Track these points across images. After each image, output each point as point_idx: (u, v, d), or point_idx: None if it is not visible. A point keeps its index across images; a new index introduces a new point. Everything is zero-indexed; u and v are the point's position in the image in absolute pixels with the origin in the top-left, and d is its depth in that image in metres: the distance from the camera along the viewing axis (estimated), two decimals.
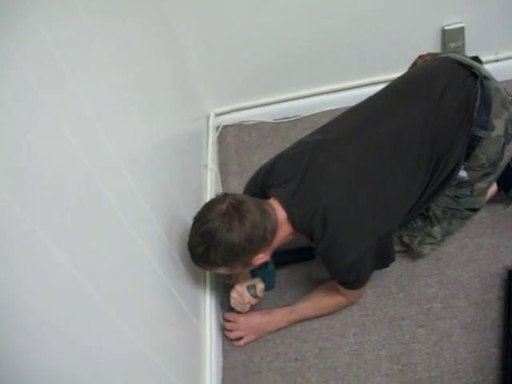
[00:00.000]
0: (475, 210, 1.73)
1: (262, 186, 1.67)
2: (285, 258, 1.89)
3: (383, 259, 1.65)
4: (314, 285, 1.82)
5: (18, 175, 0.79)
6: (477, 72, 1.59)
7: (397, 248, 1.82)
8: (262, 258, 1.55)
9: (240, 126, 2.48)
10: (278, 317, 1.76)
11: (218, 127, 2.49)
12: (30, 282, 0.78)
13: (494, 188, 1.83)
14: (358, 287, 1.66)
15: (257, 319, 1.77)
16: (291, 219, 1.55)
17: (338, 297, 1.72)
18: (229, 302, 1.75)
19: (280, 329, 1.78)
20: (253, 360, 1.75)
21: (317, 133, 1.70)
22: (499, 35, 2.22)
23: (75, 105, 1.05)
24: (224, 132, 2.49)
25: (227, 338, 1.79)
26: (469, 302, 1.74)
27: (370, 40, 2.19)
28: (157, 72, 1.78)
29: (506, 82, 2.18)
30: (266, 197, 1.61)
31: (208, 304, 1.77)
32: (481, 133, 1.57)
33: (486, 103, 1.57)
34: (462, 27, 2.15)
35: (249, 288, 1.72)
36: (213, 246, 1.45)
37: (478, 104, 1.55)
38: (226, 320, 1.79)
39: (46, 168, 0.89)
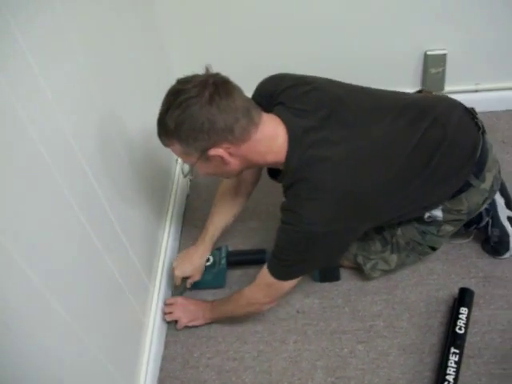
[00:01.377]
0: (434, 249, 1.76)
1: (272, 92, 1.53)
2: (238, 258, 1.92)
3: (332, 256, 1.60)
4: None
5: None
6: (479, 124, 1.63)
7: (347, 263, 1.85)
8: (220, 155, 1.38)
9: None
10: (200, 312, 1.80)
11: None
12: None
13: None
14: (286, 276, 1.54)
15: (192, 305, 1.82)
16: (289, 153, 1.42)
17: (253, 292, 1.63)
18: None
19: (207, 323, 1.82)
20: (193, 354, 1.77)
21: (338, 86, 1.58)
22: (481, 66, 2.24)
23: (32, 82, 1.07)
24: None
25: (170, 325, 1.84)
26: (411, 324, 1.76)
27: (352, 56, 2.20)
28: (129, 51, 1.77)
29: (483, 113, 2.19)
30: (265, 109, 1.47)
31: (156, 294, 1.80)
32: (474, 181, 1.60)
33: (485, 155, 1.61)
34: (445, 54, 2.17)
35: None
36: (173, 107, 1.33)
37: (478, 153, 1.59)
38: (166, 304, 1.83)
39: None
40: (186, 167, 1.48)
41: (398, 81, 2.24)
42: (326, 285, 1.87)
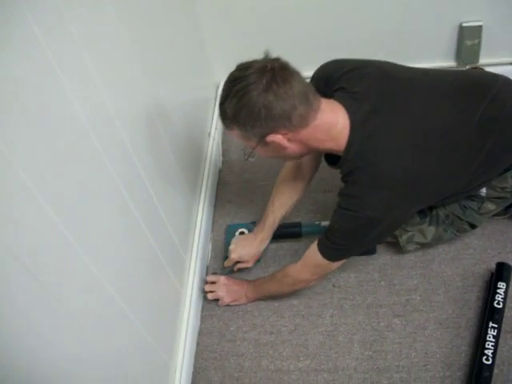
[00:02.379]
0: (473, 227, 1.74)
1: (330, 77, 1.52)
2: (274, 232, 1.92)
3: (384, 236, 1.60)
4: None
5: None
6: None
7: None
8: (279, 141, 1.37)
9: None
10: (243, 292, 1.82)
11: None
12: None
13: None
14: (337, 257, 1.55)
15: (235, 285, 1.83)
16: (350, 140, 1.40)
17: (299, 272, 1.64)
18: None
19: (250, 302, 1.83)
20: (229, 328, 1.79)
21: (396, 68, 1.55)
22: None
23: (76, 57, 1.07)
24: None
25: (206, 300, 1.85)
26: (448, 298, 1.75)
27: (386, 30, 2.18)
28: (168, 33, 1.78)
29: None
30: (324, 94, 1.45)
31: (192, 268, 1.81)
32: None
33: None
34: (480, 26, 2.13)
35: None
36: (232, 94, 1.33)
37: None
38: (207, 282, 1.85)
39: (43, 118, 0.92)
40: (248, 150, 1.48)
41: (432, 53, 2.23)
42: (362, 259, 1.86)
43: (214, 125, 2.27)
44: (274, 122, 1.34)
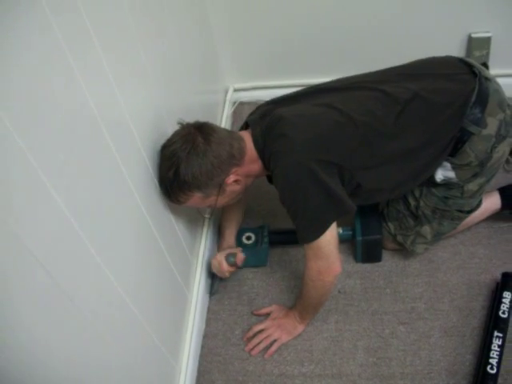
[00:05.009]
0: (467, 212, 1.74)
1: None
2: (280, 237, 1.93)
3: (332, 196, 1.48)
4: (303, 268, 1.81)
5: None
6: (476, 71, 1.60)
7: (390, 246, 1.85)
8: (234, 179, 1.54)
9: (256, 105, 2.48)
10: (293, 321, 1.75)
11: (234, 102, 2.52)
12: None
13: (497, 204, 1.86)
14: (317, 231, 1.50)
15: (283, 319, 1.76)
16: (253, 136, 1.57)
17: (310, 269, 1.59)
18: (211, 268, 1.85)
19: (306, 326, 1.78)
20: (234, 332, 1.79)
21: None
22: None
23: (92, 54, 1.09)
24: (239, 108, 2.51)
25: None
26: (453, 307, 1.76)
27: (395, 39, 2.21)
28: (179, 37, 1.79)
29: None
30: None
31: (199, 272, 1.82)
32: (472, 128, 1.56)
33: (482, 101, 1.57)
34: (489, 37, 2.15)
35: (228, 256, 1.78)
36: (182, 164, 1.44)
37: (473, 99, 1.55)
38: (255, 332, 1.77)
39: (57, 109, 0.93)
40: (207, 208, 1.72)
41: None
42: (368, 266, 1.87)
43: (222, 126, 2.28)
44: (225, 164, 1.51)
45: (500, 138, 1.60)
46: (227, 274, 1.80)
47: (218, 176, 1.50)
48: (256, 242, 1.89)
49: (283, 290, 1.88)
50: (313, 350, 1.72)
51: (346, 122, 1.52)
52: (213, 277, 1.89)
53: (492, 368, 1.56)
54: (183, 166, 1.44)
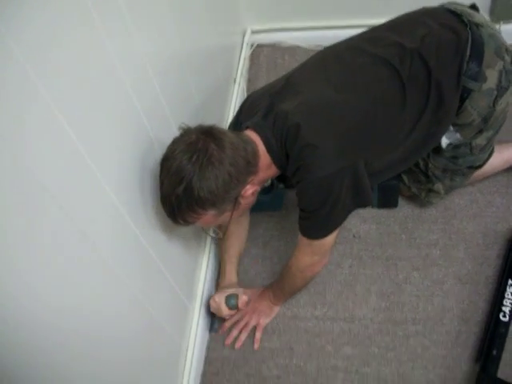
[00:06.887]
0: (477, 168, 1.68)
1: (235, 126, 1.52)
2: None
3: (359, 195, 1.39)
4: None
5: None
6: (465, 19, 1.46)
7: (406, 192, 1.83)
8: (251, 191, 1.35)
9: (274, 47, 2.46)
10: (267, 303, 1.71)
11: (252, 45, 2.47)
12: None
13: None
14: (322, 234, 1.44)
15: (257, 303, 1.72)
16: (265, 141, 1.38)
17: (299, 260, 1.54)
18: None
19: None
20: (248, 274, 1.81)
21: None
22: None
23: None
24: (258, 51, 2.47)
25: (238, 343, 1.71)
26: (467, 254, 1.75)
27: None
28: None
29: None
30: None
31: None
32: (471, 84, 1.44)
33: (478, 52, 1.44)
34: None
35: (229, 298, 1.64)
36: (194, 177, 1.22)
37: (468, 53, 1.42)
38: (235, 323, 1.72)
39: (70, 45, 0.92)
40: (220, 226, 1.51)
41: None
42: (384, 211, 1.87)
43: (240, 70, 2.25)
44: (242, 174, 1.30)
45: (502, 90, 1.48)
46: (227, 317, 1.70)
47: (235, 188, 1.29)
48: (272, 185, 1.87)
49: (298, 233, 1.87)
50: (326, 294, 1.73)
51: (356, 107, 1.40)
52: (213, 315, 1.74)
53: (504, 316, 1.56)
54: (196, 179, 1.22)
